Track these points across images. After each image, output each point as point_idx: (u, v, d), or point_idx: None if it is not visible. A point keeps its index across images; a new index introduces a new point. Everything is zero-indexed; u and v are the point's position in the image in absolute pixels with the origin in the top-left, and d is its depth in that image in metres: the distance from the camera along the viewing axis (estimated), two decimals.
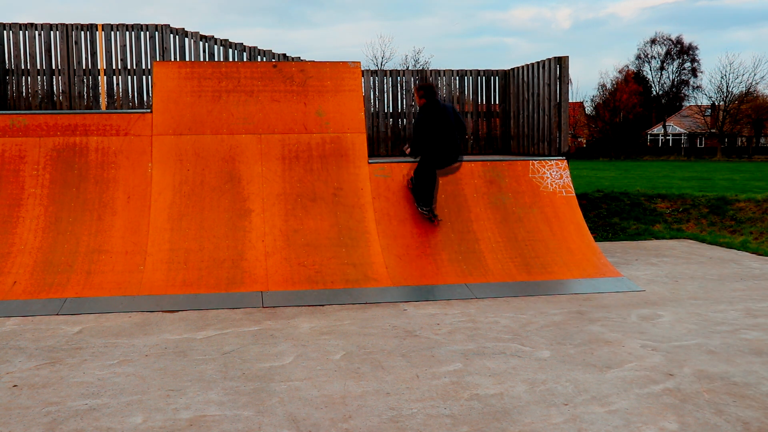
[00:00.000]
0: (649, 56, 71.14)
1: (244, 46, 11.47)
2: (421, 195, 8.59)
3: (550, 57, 10.17)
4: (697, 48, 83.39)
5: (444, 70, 12.04)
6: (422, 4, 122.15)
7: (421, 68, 33.53)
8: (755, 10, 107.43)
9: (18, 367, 5.36)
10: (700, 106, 69.73)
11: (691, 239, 12.10)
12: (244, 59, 11.43)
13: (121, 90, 11.30)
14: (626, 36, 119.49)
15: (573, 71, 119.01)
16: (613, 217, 13.17)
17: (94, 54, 11.21)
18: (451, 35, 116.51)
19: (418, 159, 8.57)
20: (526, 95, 11.13)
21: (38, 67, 11.14)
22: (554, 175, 9.48)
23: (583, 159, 54.09)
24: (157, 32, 11.27)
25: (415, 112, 11.94)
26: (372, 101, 11.80)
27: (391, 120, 11.94)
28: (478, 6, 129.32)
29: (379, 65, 59.28)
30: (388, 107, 11.93)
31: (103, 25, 11.25)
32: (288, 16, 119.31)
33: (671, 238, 12.25)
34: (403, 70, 12.13)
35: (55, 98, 11.27)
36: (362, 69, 9.95)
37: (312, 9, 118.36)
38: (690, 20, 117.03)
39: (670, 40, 70.71)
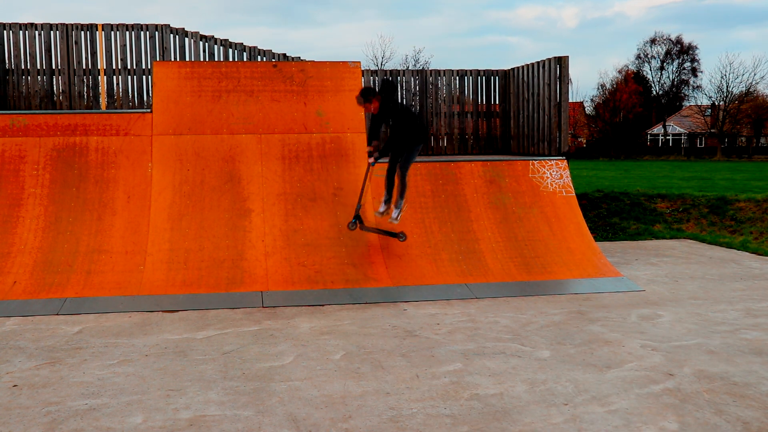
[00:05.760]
0: (648, 56, 71.15)
1: (244, 45, 11.47)
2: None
3: (551, 57, 10.18)
4: (696, 48, 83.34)
5: (444, 70, 12.04)
6: (428, 2, 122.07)
7: (421, 68, 33.51)
8: (763, 9, 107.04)
9: (18, 367, 5.36)
10: (700, 106, 69.69)
11: (691, 239, 12.10)
12: (244, 59, 11.43)
13: (121, 90, 11.30)
14: (633, 35, 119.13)
15: (578, 71, 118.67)
16: (613, 217, 13.17)
17: (94, 54, 11.21)
18: (456, 34, 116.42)
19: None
20: (526, 95, 11.13)
21: (38, 67, 11.13)
22: (554, 175, 9.48)
23: (583, 159, 54.09)
24: (157, 32, 11.27)
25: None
26: None
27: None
28: (484, 5, 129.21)
29: (379, 65, 59.28)
30: None
31: (103, 25, 11.25)
32: (292, 15, 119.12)
33: (671, 238, 12.25)
34: (403, 70, 12.13)
35: (55, 98, 11.27)
36: (362, 69, 9.94)
37: (316, 8, 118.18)
38: (697, 19, 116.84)
39: (670, 39, 70.73)
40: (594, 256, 8.73)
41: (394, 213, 7.99)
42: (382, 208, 8.05)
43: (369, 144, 7.91)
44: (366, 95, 7.81)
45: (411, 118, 7.96)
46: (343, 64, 9.49)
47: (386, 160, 8.08)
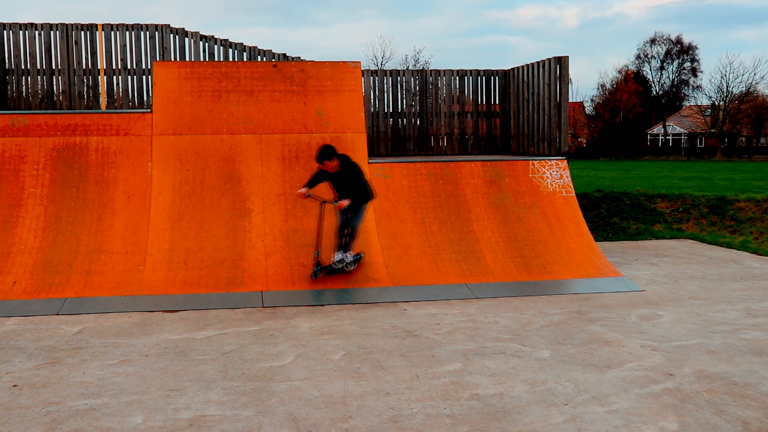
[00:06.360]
0: (648, 56, 71.15)
1: (244, 45, 11.47)
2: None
3: (551, 57, 10.18)
4: (696, 48, 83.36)
5: (444, 70, 12.03)
6: (428, 2, 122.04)
7: (421, 68, 33.51)
8: (763, 9, 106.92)
9: (18, 367, 5.37)
10: (700, 106, 69.66)
11: (691, 239, 12.10)
12: (244, 59, 11.42)
13: (121, 90, 11.30)
14: (634, 35, 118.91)
15: (579, 70, 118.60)
16: (613, 217, 13.17)
17: (94, 54, 11.20)
18: (456, 34, 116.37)
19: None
20: (526, 95, 11.13)
21: (38, 67, 11.13)
22: (554, 175, 9.48)
23: (583, 159, 54.08)
24: (157, 32, 11.27)
25: (415, 113, 11.96)
26: (372, 101, 11.80)
27: (391, 120, 11.93)
28: (484, 5, 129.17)
29: (379, 65, 59.30)
30: (388, 107, 11.93)
31: (103, 25, 11.25)
32: (292, 15, 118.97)
33: (671, 238, 12.25)
34: (403, 70, 12.14)
35: (55, 98, 11.27)
36: (362, 69, 9.94)
37: (316, 8, 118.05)
38: (697, 19, 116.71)
39: (670, 39, 70.73)
40: (594, 256, 8.73)
41: (348, 257, 7.88)
42: (337, 257, 7.86)
43: (305, 187, 7.75)
44: (327, 154, 7.57)
45: (362, 182, 7.77)
46: (343, 64, 9.49)
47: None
